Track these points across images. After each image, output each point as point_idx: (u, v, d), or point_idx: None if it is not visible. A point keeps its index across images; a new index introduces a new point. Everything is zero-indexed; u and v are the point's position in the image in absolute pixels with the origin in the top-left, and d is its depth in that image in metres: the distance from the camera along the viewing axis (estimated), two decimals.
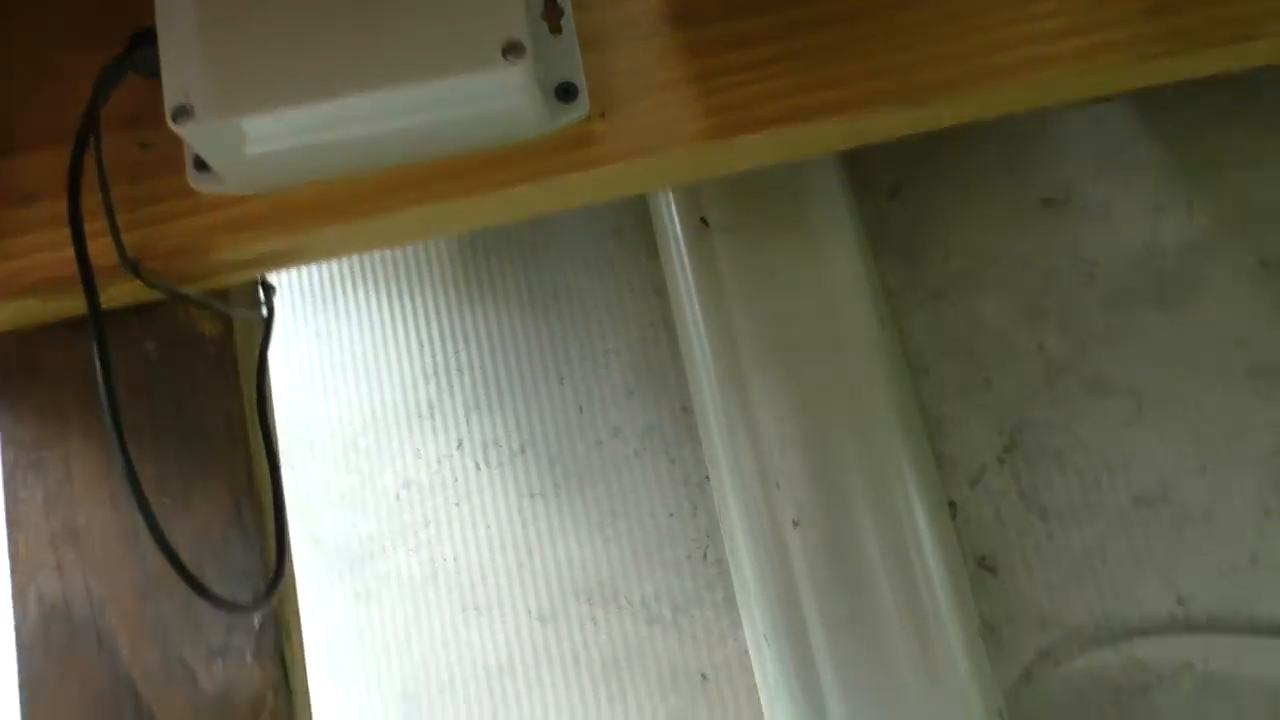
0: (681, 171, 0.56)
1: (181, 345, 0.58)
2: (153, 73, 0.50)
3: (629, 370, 0.87)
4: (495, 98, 0.48)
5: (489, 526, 0.87)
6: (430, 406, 0.91)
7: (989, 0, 0.55)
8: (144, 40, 0.50)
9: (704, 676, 0.80)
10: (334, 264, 0.94)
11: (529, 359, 0.90)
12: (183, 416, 0.57)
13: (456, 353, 0.92)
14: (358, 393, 0.92)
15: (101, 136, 0.52)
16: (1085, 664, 0.75)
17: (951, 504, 0.80)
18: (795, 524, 0.69)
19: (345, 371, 0.92)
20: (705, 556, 0.82)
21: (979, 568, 0.78)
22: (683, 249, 0.79)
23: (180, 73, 0.46)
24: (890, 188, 0.88)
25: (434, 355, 0.92)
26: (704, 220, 0.78)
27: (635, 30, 0.54)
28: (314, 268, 0.95)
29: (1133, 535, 0.79)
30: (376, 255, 0.93)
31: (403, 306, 0.93)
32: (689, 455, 0.84)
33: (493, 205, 0.54)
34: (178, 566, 0.49)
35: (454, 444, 0.89)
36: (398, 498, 0.89)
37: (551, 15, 0.54)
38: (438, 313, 0.93)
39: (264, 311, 0.61)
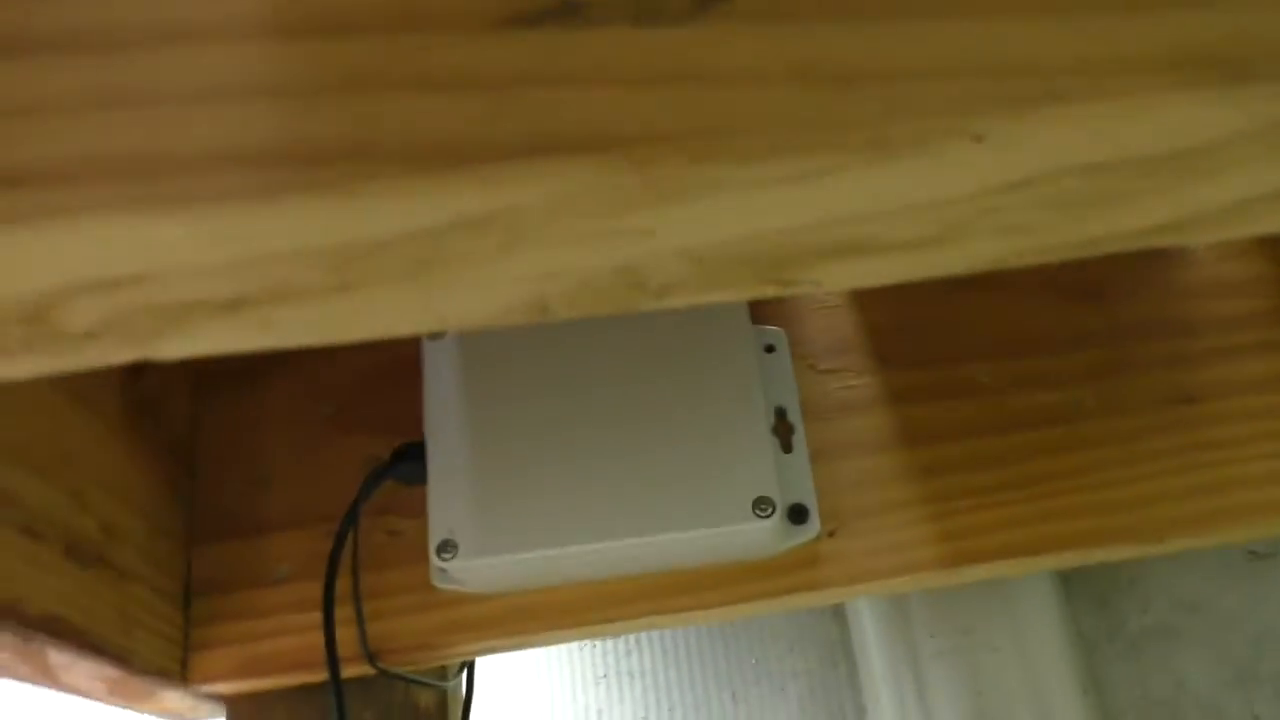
0: (907, 589, 0.56)
1: (399, 717, 0.59)
2: (411, 483, 0.53)
3: (806, 697, 0.86)
4: (740, 541, 0.50)
5: None
6: (599, 713, 0.90)
7: (1232, 433, 0.54)
8: (409, 455, 0.53)
9: None
10: None
11: (702, 671, 0.89)
12: None
13: (629, 656, 0.92)
14: (527, 687, 0.92)
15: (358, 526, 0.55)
16: None
17: None
18: None
19: (518, 663, 0.93)
20: None
21: None
22: None
23: (447, 507, 0.49)
24: None
25: (606, 657, 0.92)
26: None
27: (865, 447, 0.56)
28: None
29: None
30: None
31: None
32: None
33: (720, 616, 0.55)
34: None
35: None
36: None
37: (783, 432, 0.55)
38: None
39: (465, 684, 0.63)
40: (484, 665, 0.93)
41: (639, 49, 0.18)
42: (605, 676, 0.91)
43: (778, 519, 0.48)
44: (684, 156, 0.17)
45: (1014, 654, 0.74)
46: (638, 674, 0.91)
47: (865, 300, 0.59)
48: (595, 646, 0.92)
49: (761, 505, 0.47)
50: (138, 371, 0.53)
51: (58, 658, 0.44)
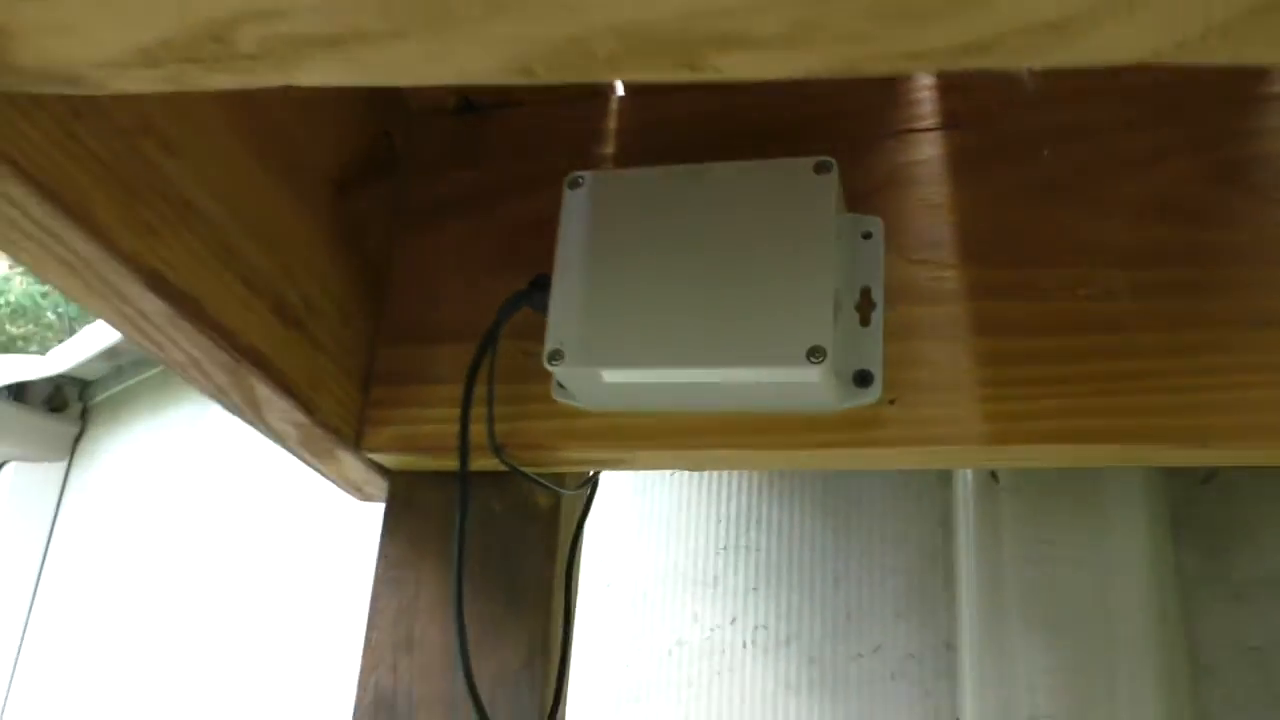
0: (957, 463, 0.62)
1: (520, 511, 0.71)
2: (540, 310, 0.64)
3: (902, 592, 0.92)
4: (798, 385, 0.58)
5: (743, 704, 0.94)
6: (715, 578, 1.00)
7: None
8: (539, 286, 0.64)
9: None
10: None
11: (811, 555, 0.97)
12: (506, 569, 0.70)
13: (748, 532, 1.01)
14: (657, 549, 1.04)
15: (498, 342, 0.67)
16: None
17: None
18: None
19: (651, 528, 1.04)
20: None
21: None
22: (970, 496, 0.84)
23: (561, 324, 0.60)
24: (1205, 470, 0.87)
25: (728, 531, 1.02)
26: (994, 475, 0.82)
27: (939, 330, 0.62)
28: None
29: None
30: None
31: (710, 480, 1.04)
32: (944, 690, 0.87)
33: (784, 460, 0.63)
34: (475, 698, 0.61)
35: (729, 618, 0.98)
36: (669, 653, 0.99)
37: (864, 308, 0.62)
38: (739, 493, 1.03)
39: (587, 492, 0.74)
40: (618, 527, 1.04)
41: None
42: (725, 548, 1.01)
43: (828, 369, 0.56)
44: None
45: (1094, 571, 0.77)
46: (753, 548, 1.00)
47: (964, 204, 0.65)
48: (720, 521, 1.02)
49: (815, 353, 0.55)
50: (346, 192, 0.67)
51: (261, 390, 0.59)
